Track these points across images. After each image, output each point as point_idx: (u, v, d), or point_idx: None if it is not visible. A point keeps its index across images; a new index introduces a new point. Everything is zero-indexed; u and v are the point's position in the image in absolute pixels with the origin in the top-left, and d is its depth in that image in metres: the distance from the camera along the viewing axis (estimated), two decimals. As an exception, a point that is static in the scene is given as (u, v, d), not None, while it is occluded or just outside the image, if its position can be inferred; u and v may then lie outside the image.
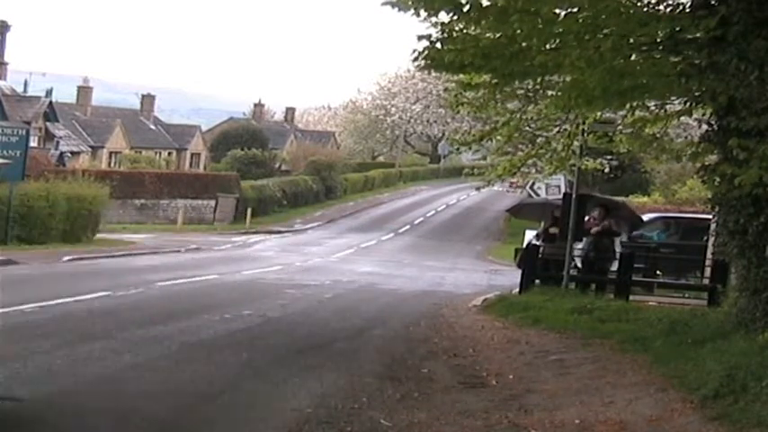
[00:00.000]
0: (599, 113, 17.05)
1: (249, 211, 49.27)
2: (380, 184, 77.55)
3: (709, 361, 9.46)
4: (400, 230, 50.31)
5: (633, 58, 12.18)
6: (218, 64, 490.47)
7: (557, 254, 19.15)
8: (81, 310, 14.73)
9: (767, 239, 11.07)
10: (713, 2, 11.49)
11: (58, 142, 51.68)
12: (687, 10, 11.89)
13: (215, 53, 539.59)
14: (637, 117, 15.15)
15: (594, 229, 19.44)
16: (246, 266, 26.78)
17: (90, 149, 57.58)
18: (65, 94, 64.95)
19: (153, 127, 69.40)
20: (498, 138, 19.38)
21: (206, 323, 14.15)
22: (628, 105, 14.15)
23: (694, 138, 19.15)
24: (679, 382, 9.28)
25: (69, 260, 25.54)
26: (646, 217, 26.00)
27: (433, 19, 12.03)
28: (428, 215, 59.22)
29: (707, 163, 12.19)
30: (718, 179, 11.32)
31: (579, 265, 19.93)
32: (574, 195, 18.57)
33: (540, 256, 19.72)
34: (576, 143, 19.05)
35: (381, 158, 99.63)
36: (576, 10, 11.45)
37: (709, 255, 19.72)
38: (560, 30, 11.51)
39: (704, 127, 12.66)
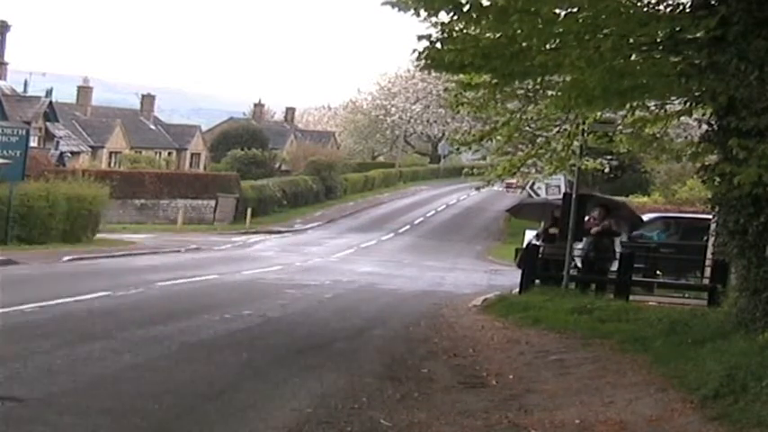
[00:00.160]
0: (599, 113, 17.05)
1: (249, 211, 49.28)
2: (380, 184, 77.57)
3: (709, 361, 9.46)
4: (400, 230, 50.32)
5: (633, 58, 12.18)
6: (218, 64, 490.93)
7: (557, 254, 19.15)
8: (81, 310, 14.73)
9: (767, 239, 11.07)
10: (713, 2, 11.49)
11: (58, 142, 51.68)
12: (687, 10, 11.89)
13: (215, 53, 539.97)
14: (637, 117, 15.15)
15: (594, 230, 19.44)
16: (246, 266, 26.78)
17: (90, 149, 57.59)
18: (65, 94, 64.96)
19: (153, 127, 69.42)
20: (498, 138, 19.37)
21: (206, 323, 14.15)
22: (628, 105, 14.14)
23: (694, 138, 19.15)
24: (679, 382, 9.28)
25: (69, 260, 25.54)
26: (646, 217, 26.00)
27: (433, 19, 12.03)
28: (428, 215, 59.23)
29: (707, 163, 12.18)
30: (717, 179, 11.32)
31: (579, 265, 19.93)
32: (574, 195, 18.58)
33: (540, 256, 19.72)
34: (575, 143, 19.05)
35: (381, 158, 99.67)
36: (576, 10, 11.45)
37: (709, 255, 19.72)
38: (560, 30, 11.51)
39: (704, 127, 12.65)
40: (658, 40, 12.01)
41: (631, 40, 11.72)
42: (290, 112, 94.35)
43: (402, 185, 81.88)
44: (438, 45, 12.07)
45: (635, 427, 8.09)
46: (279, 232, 47.37)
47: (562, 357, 11.76)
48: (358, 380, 10.13)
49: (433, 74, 26.32)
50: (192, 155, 70.09)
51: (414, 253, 38.78)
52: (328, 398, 9.05)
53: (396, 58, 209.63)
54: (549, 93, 15.09)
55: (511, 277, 23.56)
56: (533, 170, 24.59)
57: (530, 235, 23.35)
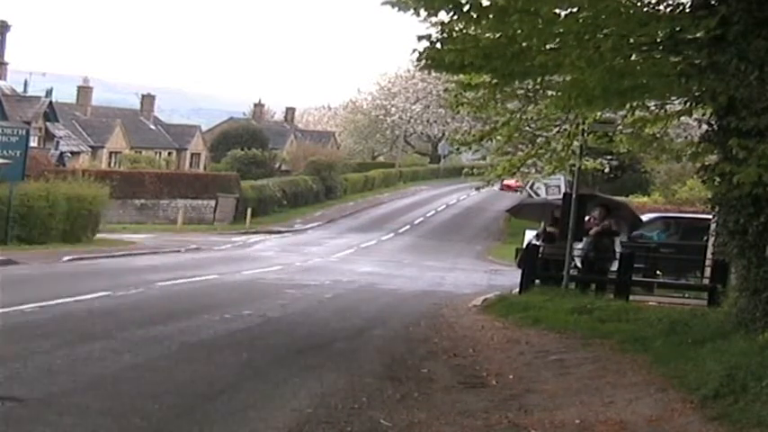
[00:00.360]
0: (599, 113, 17.05)
1: (249, 211, 49.29)
2: (380, 184, 77.59)
3: (709, 361, 9.46)
4: (400, 230, 50.33)
5: (633, 58, 12.17)
6: (218, 64, 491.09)
7: (557, 254, 19.15)
8: (81, 310, 14.73)
9: (767, 239, 11.07)
10: (713, 2, 11.49)
11: (58, 142, 51.68)
12: (687, 10, 11.89)
13: (215, 53, 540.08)
14: (637, 117, 15.15)
15: (594, 230, 19.44)
16: (246, 266, 26.78)
17: (90, 149, 57.60)
18: (65, 94, 64.97)
19: (153, 127, 69.43)
20: (498, 138, 19.37)
21: (206, 323, 14.15)
22: (628, 105, 14.14)
23: (694, 138, 19.15)
24: (679, 382, 9.27)
25: (69, 260, 25.54)
26: (645, 217, 26.00)
27: (433, 19, 12.04)
28: (428, 215, 59.24)
29: (707, 163, 12.18)
30: (717, 179, 11.32)
31: (579, 265, 19.93)
32: (574, 195, 18.58)
33: (540, 256, 19.72)
34: (575, 143, 19.05)
35: (381, 158, 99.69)
36: (576, 10, 11.45)
37: (709, 255, 19.71)
38: (560, 30, 11.51)
39: (704, 127, 12.65)
40: (658, 40, 12.01)
41: (631, 40, 11.72)
42: (290, 112, 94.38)
43: (402, 185, 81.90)
44: (438, 45, 12.07)
45: (635, 427, 8.08)
46: (279, 232, 47.37)
47: (562, 357, 11.76)
48: (358, 380, 10.13)
49: (433, 74, 26.31)
50: (192, 155, 70.11)
51: (414, 253, 38.78)
52: (328, 398, 9.05)
53: (396, 58, 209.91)
54: (549, 93, 15.09)
55: (511, 277, 23.56)
56: (533, 170, 24.59)
57: (530, 235, 23.35)
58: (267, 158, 66.99)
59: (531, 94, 16.21)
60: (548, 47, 12.02)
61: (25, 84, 54.01)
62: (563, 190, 24.94)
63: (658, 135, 17.02)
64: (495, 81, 13.88)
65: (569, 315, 14.99)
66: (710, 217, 16.00)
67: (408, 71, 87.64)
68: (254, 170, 62.08)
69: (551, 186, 27.69)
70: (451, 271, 31.36)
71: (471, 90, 15.62)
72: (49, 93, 52.05)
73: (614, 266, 19.41)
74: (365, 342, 13.64)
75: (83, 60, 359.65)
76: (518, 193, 61.08)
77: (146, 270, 23.51)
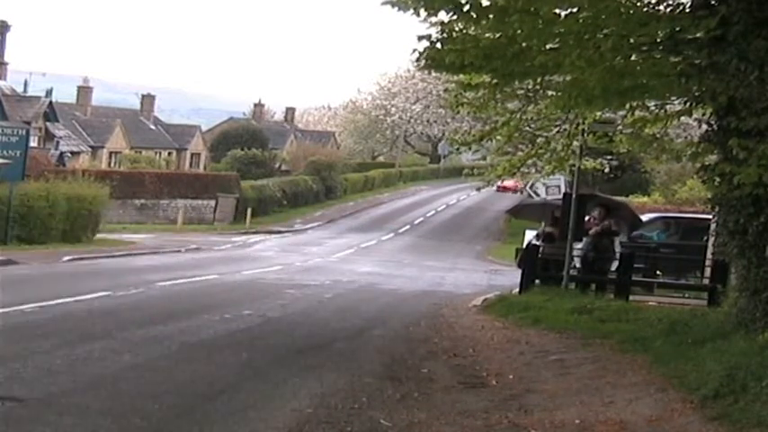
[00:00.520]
0: (599, 113, 17.05)
1: (249, 211, 49.30)
2: (380, 184, 77.60)
3: (709, 361, 9.46)
4: (400, 230, 50.33)
5: (633, 58, 12.17)
6: (218, 64, 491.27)
7: (557, 254, 19.15)
8: (81, 310, 14.73)
9: (767, 239, 11.07)
10: (713, 2, 11.48)
11: (58, 142, 51.68)
12: (687, 10, 11.88)
13: (215, 53, 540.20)
14: (637, 117, 15.14)
15: (593, 230, 19.43)
16: (246, 266, 26.78)
17: (90, 149, 57.61)
18: (65, 94, 64.97)
19: (153, 127, 69.43)
20: (498, 138, 19.37)
21: (206, 323, 14.14)
22: (628, 105, 14.14)
23: (694, 138, 19.14)
24: (679, 382, 9.27)
25: (69, 260, 25.55)
26: (645, 217, 26.01)
27: (433, 19, 12.03)
28: (428, 215, 59.26)
29: (707, 163, 12.18)
30: (718, 179, 11.32)
31: (578, 265, 19.93)
32: (574, 195, 18.58)
33: (539, 256, 19.72)
34: (575, 143, 19.05)
35: (381, 158, 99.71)
36: (576, 10, 11.44)
37: (709, 255, 19.71)
38: (560, 30, 11.50)
39: (704, 127, 12.65)
40: (658, 40, 12.00)
41: (631, 40, 11.71)
42: (290, 112, 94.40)
43: (402, 185, 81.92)
44: (438, 45, 12.06)
45: (635, 427, 8.08)
46: (279, 232, 47.38)
47: (562, 357, 11.76)
48: (358, 380, 10.13)
49: (433, 74, 26.31)
50: (192, 155, 70.12)
51: (414, 253, 38.79)
52: (328, 398, 9.05)
53: (396, 58, 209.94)
54: (549, 93, 15.08)
55: (511, 277, 23.57)
56: (533, 170, 24.58)
57: (530, 235, 23.36)
58: (267, 158, 67.00)
59: (531, 94, 16.20)
60: (548, 47, 12.01)
61: (25, 84, 54.02)
62: (563, 190, 24.92)
63: (658, 135, 17.01)
64: (495, 81, 13.88)
65: (569, 315, 14.99)
66: (710, 217, 16.00)
67: (408, 71, 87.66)
68: (254, 170, 62.09)
69: (551, 186, 27.65)
70: (451, 271, 31.36)
71: (471, 90, 15.61)
72: (49, 93, 52.05)
73: (614, 266, 19.41)
74: (365, 342, 13.64)
75: (83, 60, 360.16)
76: (517, 193, 61.14)
77: (146, 270, 23.51)
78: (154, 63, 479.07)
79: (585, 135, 18.61)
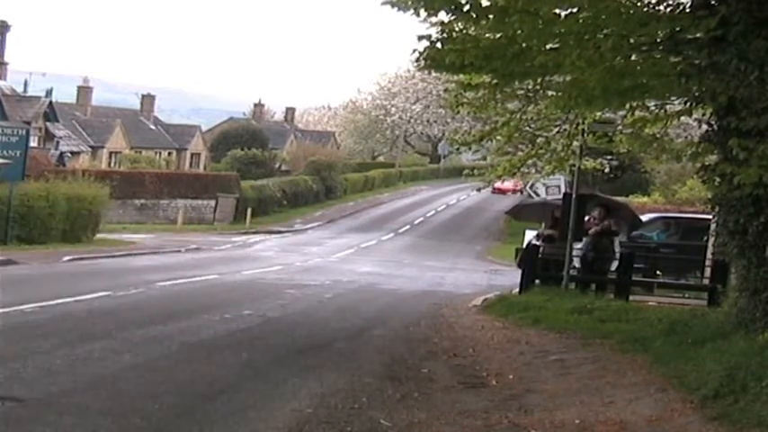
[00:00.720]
0: (599, 113, 17.04)
1: (249, 211, 49.30)
2: (380, 184, 77.60)
3: (709, 361, 9.46)
4: (400, 230, 50.34)
5: (633, 58, 12.17)
6: (218, 64, 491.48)
7: (557, 254, 19.15)
8: (81, 310, 14.73)
9: (767, 239, 11.07)
10: (713, 2, 11.48)
11: (58, 142, 51.68)
12: (687, 10, 11.88)
13: (215, 53, 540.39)
14: (637, 117, 15.13)
15: (592, 230, 19.44)
16: (246, 266, 26.78)
17: (90, 149, 57.61)
18: (65, 94, 64.98)
19: (153, 127, 69.43)
20: (498, 138, 19.36)
21: (206, 323, 14.15)
22: (628, 105, 14.13)
23: (694, 138, 19.14)
24: (679, 382, 9.27)
25: (69, 260, 25.55)
26: (645, 217, 26.01)
27: (433, 19, 12.03)
28: (428, 215, 59.26)
29: (707, 163, 12.18)
30: (718, 179, 11.32)
31: (577, 265, 19.93)
32: (574, 195, 18.58)
33: (539, 256, 19.72)
34: (575, 143, 19.05)
35: (381, 158, 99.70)
36: (576, 10, 11.44)
37: (709, 255, 19.71)
38: (560, 30, 11.50)
39: (704, 127, 12.65)
40: (658, 40, 12.00)
41: (631, 40, 11.71)
42: (290, 112, 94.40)
43: (402, 185, 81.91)
44: (438, 45, 12.07)
45: (635, 427, 8.08)
46: (279, 232, 47.38)
47: (562, 357, 11.76)
48: (358, 380, 10.13)
49: (433, 74, 26.28)
50: (192, 155, 70.12)
51: (414, 253, 38.79)
52: (328, 398, 9.05)
53: (396, 58, 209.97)
54: (549, 93, 15.08)
55: (511, 277, 23.57)
56: (533, 170, 24.58)
57: (530, 235, 23.36)
58: (267, 158, 67.00)
59: (531, 94, 16.20)
60: (548, 47, 12.01)
61: (25, 84, 54.02)
62: (563, 190, 24.92)
63: (658, 135, 17.00)
64: (495, 81, 13.88)
65: (569, 315, 14.99)
66: (710, 217, 16.00)
67: (408, 71, 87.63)
68: (254, 170, 62.09)
69: (551, 186, 27.62)
70: (451, 271, 31.36)
71: (471, 90, 15.61)
72: (49, 93, 52.05)
73: (614, 266, 19.42)
74: (365, 342, 13.64)
75: (83, 60, 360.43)
76: (517, 194, 61.11)
77: (146, 270, 23.51)
78: (154, 63, 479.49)
79: (585, 135, 18.61)
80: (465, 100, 16.98)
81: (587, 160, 20.67)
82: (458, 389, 9.98)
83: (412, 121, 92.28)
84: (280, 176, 63.26)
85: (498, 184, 49.43)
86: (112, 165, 58.87)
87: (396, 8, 11.80)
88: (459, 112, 20.16)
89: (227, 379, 9.90)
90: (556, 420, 8.35)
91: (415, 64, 13.08)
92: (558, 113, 17.30)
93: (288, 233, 47.53)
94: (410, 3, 11.63)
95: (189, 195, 51.02)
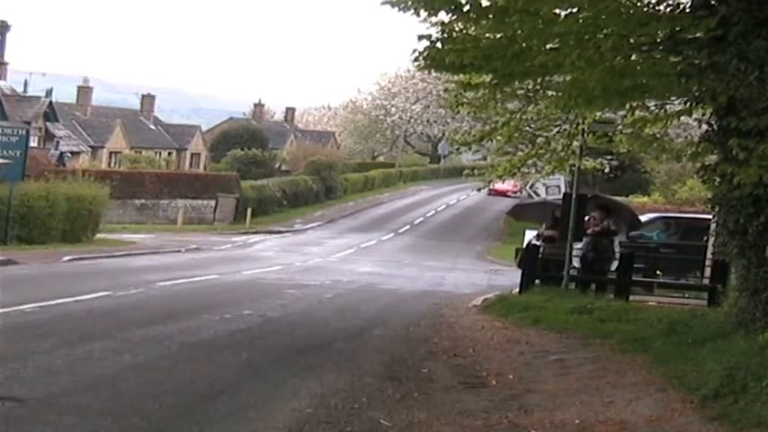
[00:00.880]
0: (599, 113, 17.04)
1: (249, 211, 49.28)
2: (380, 184, 77.57)
3: (709, 361, 9.46)
4: (400, 230, 50.33)
5: (633, 58, 12.17)
6: (218, 64, 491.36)
7: (557, 254, 19.15)
8: (81, 310, 14.73)
9: (767, 239, 11.07)
10: (713, 2, 11.49)
11: (58, 142, 51.67)
12: (687, 10, 11.89)
13: (215, 53, 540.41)
14: (637, 117, 15.14)
15: (591, 230, 19.44)
16: (246, 266, 26.78)
17: (90, 149, 57.60)
18: (65, 94, 64.97)
19: (153, 127, 69.42)
20: (498, 138, 19.36)
21: (206, 323, 14.15)
22: (628, 105, 14.14)
23: (694, 138, 19.14)
24: (679, 382, 9.27)
25: (69, 260, 25.54)
26: (645, 217, 26.01)
27: (433, 19, 12.04)
28: (428, 215, 59.24)
29: (707, 163, 12.18)
30: (718, 179, 11.32)
31: (576, 265, 19.94)
32: (574, 195, 18.58)
33: (540, 256, 19.72)
34: (575, 143, 19.06)
35: (381, 158, 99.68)
36: (576, 10, 11.45)
37: (709, 255, 19.71)
38: (560, 30, 11.50)
39: (704, 127, 12.65)
40: (658, 40, 12.01)
41: (631, 40, 11.71)
42: (290, 112, 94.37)
43: (402, 185, 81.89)
44: (438, 45, 12.07)
45: (635, 427, 8.08)
46: (279, 232, 47.37)
47: (562, 357, 11.76)
48: (358, 380, 10.13)
49: (433, 74, 26.27)
50: (192, 155, 70.11)
51: (414, 253, 38.78)
52: (328, 398, 9.05)
53: (396, 58, 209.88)
54: (549, 93, 15.08)
55: (511, 277, 23.57)
56: (533, 170, 24.59)
57: (530, 235, 23.36)
58: (267, 158, 66.99)
59: (531, 94, 16.20)
60: (548, 47, 12.01)
61: (25, 84, 54.01)
62: (563, 190, 24.94)
63: (658, 135, 17.01)
64: (495, 81, 13.88)
65: (569, 315, 15.00)
66: (710, 217, 16.00)
67: (408, 71, 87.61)
68: (254, 170, 62.08)
69: (551, 186, 27.66)
70: (451, 271, 31.36)
71: (471, 90, 15.61)
72: (49, 93, 52.04)
73: (614, 266, 19.42)
74: (365, 342, 13.64)
75: (83, 60, 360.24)
76: (516, 194, 61.07)
77: (146, 270, 23.51)
78: (154, 63, 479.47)
79: (585, 135, 18.61)
80: (465, 100, 16.99)
81: (587, 160, 20.67)
82: (458, 389, 9.98)
83: (412, 121, 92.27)
84: (280, 176, 63.24)
85: (495, 186, 49.10)
86: (112, 165, 58.86)
87: (396, 8, 11.81)
88: (459, 112, 20.16)
89: (227, 379, 9.90)
90: (556, 420, 8.35)
91: (415, 64, 13.09)
92: (558, 113, 17.30)
93: (288, 233, 47.52)
94: (410, 3, 11.64)
95: (189, 195, 51.01)
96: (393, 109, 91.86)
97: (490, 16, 11.49)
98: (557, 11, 11.51)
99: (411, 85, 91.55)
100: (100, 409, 8.07)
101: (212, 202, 51.20)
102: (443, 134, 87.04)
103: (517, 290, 19.58)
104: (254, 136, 71.88)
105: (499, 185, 51.38)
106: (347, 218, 56.35)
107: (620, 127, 18.21)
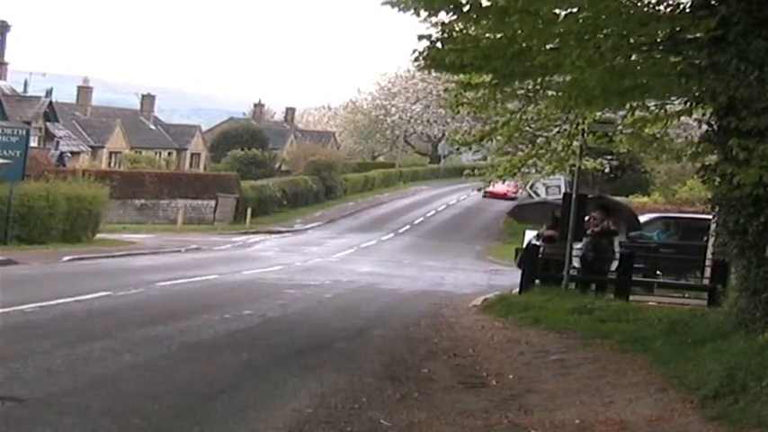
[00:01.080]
0: (599, 113, 17.04)
1: (249, 211, 49.28)
2: (380, 184, 77.56)
3: (709, 361, 9.46)
4: (400, 230, 50.33)
5: (633, 58, 12.17)
6: (218, 64, 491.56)
7: (557, 254, 19.15)
8: (81, 310, 14.73)
9: (767, 239, 11.07)
10: (713, 2, 11.49)
11: (58, 142, 51.67)
12: (687, 10, 11.89)
13: (215, 53, 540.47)
14: (637, 117, 15.14)
15: (590, 230, 19.44)
16: (246, 266, 26.78)
17: (90, 149, 57.59)
18: (65, 94, 64.96)
19: (153, 127, 69.41)
20: (498, 138, 19.36)
21: (206, 323, 14.15)
22: (628, 105, 14.14)
23: (694, 138, 19.14)
24: (679, 382, 9.27)
25: (69, 260, 25.54)
26: (645, 217, 26.01)
27: (433, 19, 12.04)
28: (428, 215, 59.24)
29: (707, 163, 12.18)
30: (718, 179, 11.32)
31: (576, 265, 19.94)
32: (574, 195, 18.58)
33: (540, 256, 19.73)
34: (575, 143, 19.06)
35: (381, 158, 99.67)
36: (576, 10, 11.45)
37: (709, 255, 19.72)
38: (560, 30, 11.51)
39: (704, 127, 12.65)
40: (658, 40, 12.01)
41: (631, 40, 11.72)
42: (290, 112, 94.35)
43: (402, 185, 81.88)
44: (438, 45, 12.07)
45: (635, 427, 8.08)
46: (279, 232, 47.37)
47: (562, 357, 11.76)
48: (358, 380, 10.13)
49: (433, 74, 26.28)
50: (192, 155, 70.10)
51: (414, 253, 38.78)
52: (328, 398, 9.05)
53: (396, 58, 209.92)
54: (549, 93, 15.09)
55: (511, 277, 23.57)
56: (533, 170, 24.59)
57: (530, 235, 23.36)
58: (267, 158, 66.98)
59: (531, 94, 16.20)
60: (548, 47, 12.02)
61: (25, 84, 54.00)
62: (563, 190, 24.94)
63: (658, 135, 17.01)
64: (495, 81, 13.88)
65: (569, 315, 15.00)
66: (710, 217, 16.00)
67: (408, 71, 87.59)
68: (254, 170, 62.08)
69: (551, 186, 27.65)
70: (451, 271, 31.36)
71: (471, 90, 15.61)
72: (49, 93, 52.03)
73: (614, 266, 19.42)
74: (365, 342, 13.64)
75: (83, 60, 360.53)
76: (516, 193, 61.00)
77: (146, 270, 23.51)
78: (154, 63, 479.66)
79: (585, 135, 18.62)
80: (465, 100, 16.99)
81: (587, 160, 20.67)
82: (458, 389, 9.98)
83: (412, 121, 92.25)
84: (280, 176, 63.24)
85: (491, 188, 48.47)
86: (112, 165, 58.86)
87: (396, 8, 11.81)
88: (459, 112, 20.16)
89: (227, 379, 9.90)
90: (556, 420, 8.35)
91: (415, 64, 13.09)
92: (558, 113, 17.30)
93: (288, 233, 47.52)
94: (410, 3, 11.64)
95: (189, 195, 51.01)
96: (393, 109, 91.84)
97: (490, 16, 11.49)
98: (557, 11, 11.51)
99: (411, 85, 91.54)
100: (100, 409, 8.07)
101: (212, 203, 51.20)
102: (443, 134, 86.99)
103: (517, 290, 19.58)
104: (254, 136, 71.87)
105: (496, 187, 50.81)
106: (347, 218, 56.34)
107: (620, 127, 18.21)
